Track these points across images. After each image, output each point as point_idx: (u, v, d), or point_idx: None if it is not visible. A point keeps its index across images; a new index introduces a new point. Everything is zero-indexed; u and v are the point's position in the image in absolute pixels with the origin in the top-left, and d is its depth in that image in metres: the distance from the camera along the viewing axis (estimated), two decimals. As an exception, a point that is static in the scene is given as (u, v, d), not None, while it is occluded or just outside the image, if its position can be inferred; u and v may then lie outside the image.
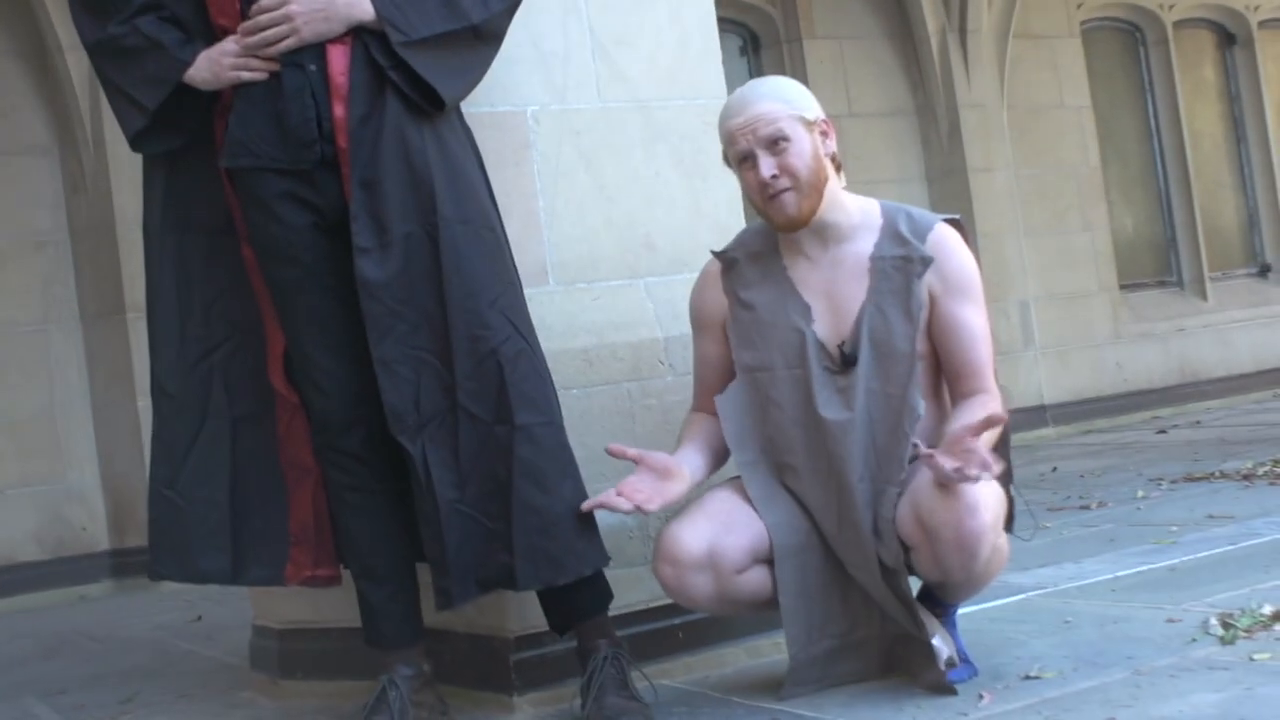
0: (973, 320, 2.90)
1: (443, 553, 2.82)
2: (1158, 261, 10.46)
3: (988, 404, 2.84)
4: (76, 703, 3.95)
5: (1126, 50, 10.53)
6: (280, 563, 3.08)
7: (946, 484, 2.63)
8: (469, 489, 2.84)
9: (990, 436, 2.71)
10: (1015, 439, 8.61)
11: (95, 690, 4.13)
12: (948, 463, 2.58)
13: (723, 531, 2.85)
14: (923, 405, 2.84)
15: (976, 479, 2.57)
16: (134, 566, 6.78)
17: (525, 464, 2.82)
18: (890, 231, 2.93)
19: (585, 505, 2.83)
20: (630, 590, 3.18)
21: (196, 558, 3.05)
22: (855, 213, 2.96)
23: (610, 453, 2.90)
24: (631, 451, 2.88)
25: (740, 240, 3.08)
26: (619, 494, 2.79)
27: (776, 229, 2.94)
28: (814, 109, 2.91)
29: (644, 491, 2.81)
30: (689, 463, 2.95)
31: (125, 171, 6.66)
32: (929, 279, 2.88)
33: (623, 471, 3.19)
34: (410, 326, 2.82)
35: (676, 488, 2.87)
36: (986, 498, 2.69)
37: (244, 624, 4.00)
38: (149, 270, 3.06)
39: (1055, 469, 7.13)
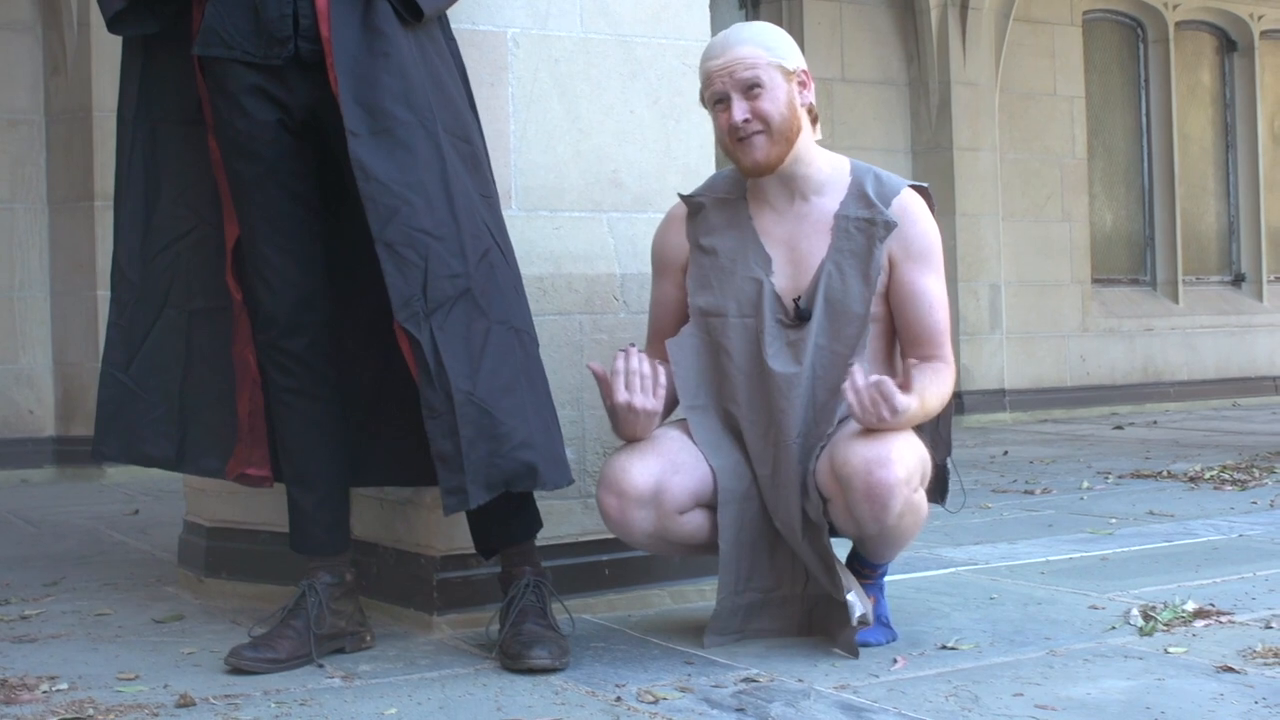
0: (931, 288, 2.91)
1: (456, 448, 2.71)
2: (1133, 259, 10.49)
3: (942, 371, 2.87)
4: (2, 581, 3.94)
5: (1126, 45, 10.51)
6: (225, 455, 3.08)
7: (856, 417, 2.71)
8: (480, 382, 2.74)
9: (926, 400, 2.78)
10: (971, 420, 8.84)
11: (23, 571, 4.12)
12: (862, 392, 2.67)
13: (670, 470, 2.85)
14: (866, 366, 2.84)
15: (875, 420, 2.67)
16: (78, 455, 6.76)
17: (533, 364, 2.83)
18: (857, 191, 2.92)
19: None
20: (561, 522, 3.18)
21: (143, 443, 3.07)
22: (825, 168, 2.94)
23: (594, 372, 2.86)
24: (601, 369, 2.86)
25: (709, 185, 3.06)
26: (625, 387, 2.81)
27: (743, 172, 2.92)
28: (794, 58, 2.89)
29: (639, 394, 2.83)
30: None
31: (107, 57, 6.58)
32: (890, 244, 2.88)
33: (571, 403, 3.19)
34: (413, 209, 2.72)
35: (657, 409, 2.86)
36: (902, 453, 2.70)
37: (180, 521, 3.99)
38: (119, 157, 3.03)
39: (1006, 453, 7.16)
